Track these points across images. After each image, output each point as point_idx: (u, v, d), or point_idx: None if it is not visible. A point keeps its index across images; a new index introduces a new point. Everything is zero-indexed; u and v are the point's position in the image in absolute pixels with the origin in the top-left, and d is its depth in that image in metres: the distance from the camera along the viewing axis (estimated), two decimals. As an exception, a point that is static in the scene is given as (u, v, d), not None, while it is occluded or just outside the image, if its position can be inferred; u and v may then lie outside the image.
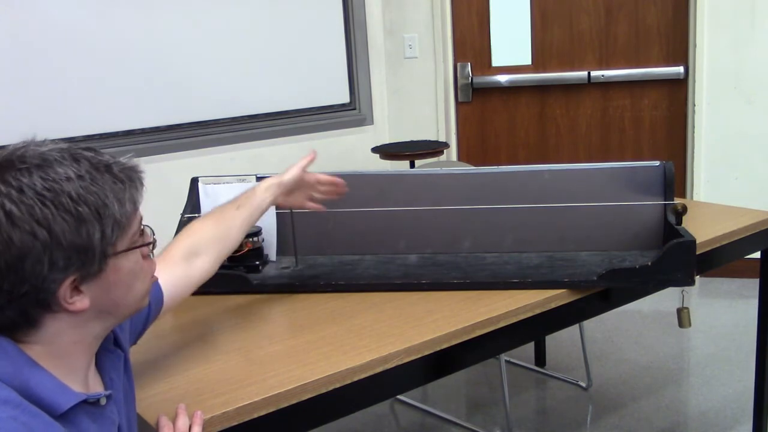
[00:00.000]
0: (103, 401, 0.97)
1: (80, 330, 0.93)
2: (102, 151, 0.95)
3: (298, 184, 1.61)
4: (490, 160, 4.09)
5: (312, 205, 1.65)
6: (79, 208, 0.87)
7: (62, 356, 0.92)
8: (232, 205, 1.48)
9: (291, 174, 1.59)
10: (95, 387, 0.99)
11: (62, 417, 0.88)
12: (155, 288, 1.25)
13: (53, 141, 0.93)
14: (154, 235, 1.02)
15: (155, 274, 1.21)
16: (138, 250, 0.97)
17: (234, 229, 1.45)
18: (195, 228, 1.42)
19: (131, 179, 0.94)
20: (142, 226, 0.99)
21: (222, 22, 3.59)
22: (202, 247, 1.39)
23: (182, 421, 1.16)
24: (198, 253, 1.38)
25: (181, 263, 1.35)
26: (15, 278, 0.85)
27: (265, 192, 1.53)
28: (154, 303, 1.25)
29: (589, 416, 2.62)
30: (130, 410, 1.08)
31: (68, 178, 0.87)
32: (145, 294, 1.01)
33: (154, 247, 1.02)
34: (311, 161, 1.63)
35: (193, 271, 1.36)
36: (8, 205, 0.84)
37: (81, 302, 0.90)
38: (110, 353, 1.05)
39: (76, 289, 0.90)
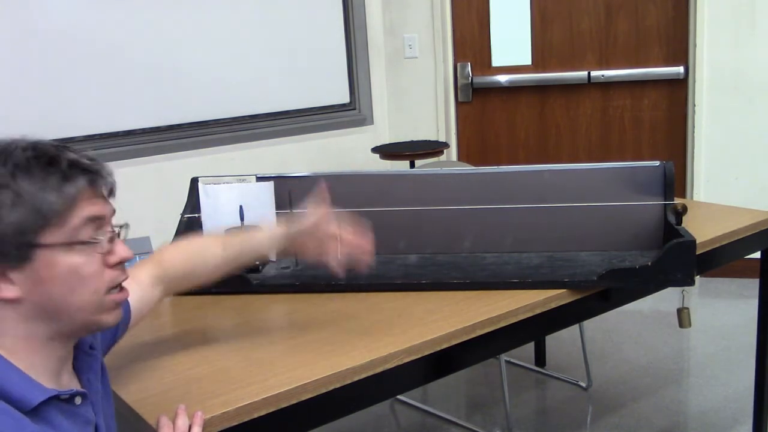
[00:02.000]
0: (78, 400, 0.96)
1: (26, 326, 0.92)
2: (80, 150, 0.95)
3: (319, 238, 1.38)
4: (490, 160, 4.09)
5: (331, 264, 1.38)
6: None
7: (19, 352, 0.92)
8: (220, 239, 1.40)
9: (308, 223, 1.38)
10: (70, 386, 0.99)
11: (33, 412, 0.88)
12: (125, 303, 1.21)
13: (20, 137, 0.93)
14: (113, 238, 0.98)
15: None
16: (92, 254, 0.94)
17: (210, 266, 1.36)
18: (167, 255, 1.36)
19: (73, 175, 0.92)
20: (111, 233, 0.96)
21: (222, 22, 3.59)
22: (168, 278, 1.33)
23: (182, 421, 1.15)
24: (162, 282, 1.32)
25: (146, 285, 1.30)
26: None
27: (268, 239, 1.39)
28: (124, 318, 1.21)
29: (589, 416, 2.62)
30: (108, 415, 1.07)
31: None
32: (101, 306, 0.97)
33: (123, 260, 0.99)
34: (325, 193, 1.40)
35: (155, 296, 1.32)
36: None
37: (9, 291, 0.90)
38: (87, 356, 1.05)
39: (4, 276, 0.90)
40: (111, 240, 0.97)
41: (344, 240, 1.38)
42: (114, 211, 1.00)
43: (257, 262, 1.79)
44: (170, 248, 1.38)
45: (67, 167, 0.92)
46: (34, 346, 0.94)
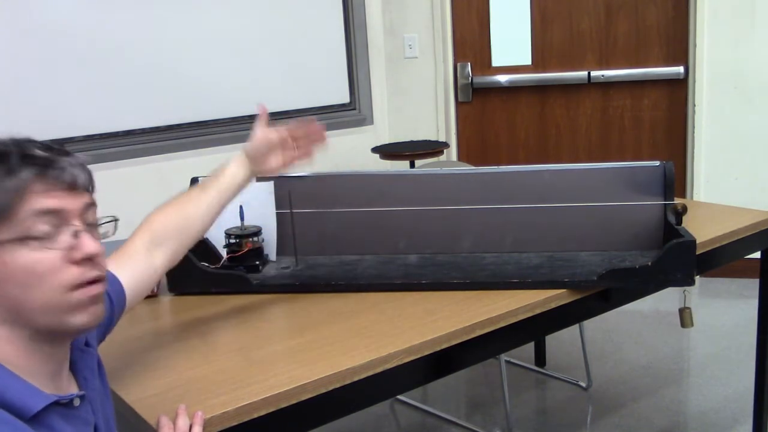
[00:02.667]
0: (77, 402, 0.95)
1: (3, 328, 0.89)
2: (35, 141, 0.93)
3: (269, 147, 1.52)
4: (490, 160, 4.09)
5: (293, 162, 1.54)
6: None
7: (14, 358, 0.90)
8: (198, 188, 1.43)
9: (253, 139, 1.51)
10: (69, 388, 0.98)
11: (33, 419, 0.86)
12: (116, 285, 1.21)
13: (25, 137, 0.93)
14: (76, 236, 0.92)
15: (119, 271, 1.22)
16: (48, 250, 0.89)
17: (198, 214, 1.39)
18: (155, 217, 1.36)
19: (19, 168, 0.88)
20: (75, 228, 0.92)
21: (222, 22, 3.59)
22: (163, 237, 1.33)
23: (182, 421, 1.15)
24: (159, 244, 1.32)
25: (142, 255, 1.29)
26: None
27: (236, 167, 1.48)
28: (116, 301, 1.21)
29: (589, 416, 2.62)
30: (107, 409, 1.06)
31: None
32: (67, 305, 0.91)
33: (86, 257, 0.92)
34: (265, 114, 1.54)
35: (156, 262, 1.31)
36: None
37: None
38: (83, 353, 1.04)
39: None
40: (76, 235, 0.91)
41: (293, 132, 1.54)
42: (87, 205, 0.95)
43: (257, 262, 1.78)
44: (156, 211, 1.38)
45: (16, 160, 0.89)
46: (22, 350, 0.91)
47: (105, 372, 1.11)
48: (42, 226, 0.89)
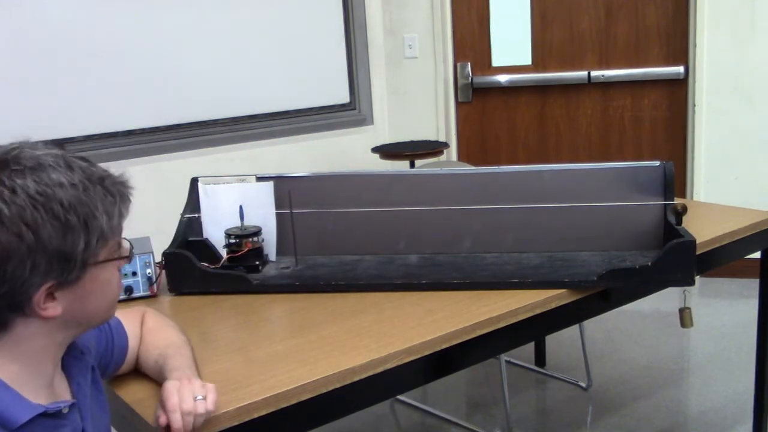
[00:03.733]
0: (66, 410, 0.96)
1: (48, 336, 0.93)
2: (94, 163, 0.96)
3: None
4: (490, 160, 4.09)
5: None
6: (69, 216, 0.88)
7: (26, 361, 0.92)
8: (168, 362, 1.24)
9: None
10: (61, 392, 0.99)
11: (19, 430, 0.88)
12: (122, 340, 1.25)
13: (46, 145, 0.93)
14: (132, 248, 1.03)
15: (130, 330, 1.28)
16: (115, 261, 0.97)
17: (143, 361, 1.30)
18: (158, 341, 1.31)
19: (122, 194, 0.95)
20: (119, 239, 0.99)
21: (222, 22, 3.59)
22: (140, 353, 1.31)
23: (188, 390, 1.12)
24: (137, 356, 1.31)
25: (140, 350, 1.31)
26: None
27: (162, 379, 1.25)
28: (117, 355, 1.25)
29: (589, 416, 2.62)
30: (98, 418, 1.06)
31: (61, 185, 0.88)
32: (113, 306, 1.01)
33: (130, 261, 1.03)
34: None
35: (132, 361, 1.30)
36: None
37: (54, 309, 0.91)
38: (77, 359, 1.05)
39: (50, 295, 0.90)
40: (119, 244, 1.00)
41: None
42: None
43: (257, 262, 1.78)
44: (164, 335, 1.32)
45: (111, 185, 0.94)
46: (44, 356, 0.94)
47: (100, 381, 1.12)
48: (123, 249, 0.99)
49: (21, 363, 0.91)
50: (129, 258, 1.01)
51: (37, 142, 0.93)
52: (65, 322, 0.94)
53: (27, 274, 0.86)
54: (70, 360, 1.03)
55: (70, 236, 0.88)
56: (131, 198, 0.97)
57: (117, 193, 0.94)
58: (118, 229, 0.96)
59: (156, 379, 1.26)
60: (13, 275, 0.85)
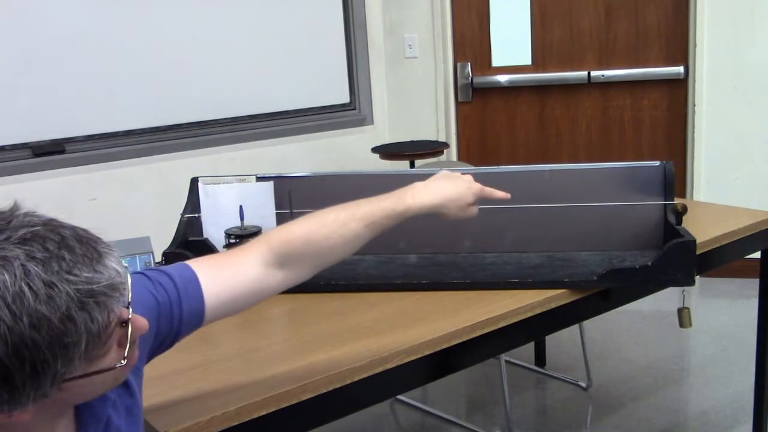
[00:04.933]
0: None
1: (34, 421, 0.80)
2: (102, 241, 0.80)
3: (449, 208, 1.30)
4: (490, 160, 4.09)
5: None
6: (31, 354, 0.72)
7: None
8: (362, 218, 1.20)
9: (439, 200, 1.27)
10: None
11: None
12: (194, 300, 1.06)
13: (38, 219, 0.78)
14: (135, 333, 0.84)
15: (211, 278, 1.07)
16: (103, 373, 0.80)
17: (344, 248, 1.19)
18: (290, 234, 1.16)
19: (106, 297, 0.77)
20: (123, 317, 0.82)
21: (222, 22, 3.59)
22: (294, 258, 1.15)
23: None
24: (285, 264, 1.14)
25: (255, 270, 1.12)
26: None
27: (397, 220, 1.24)
28: (187, 317, 1.06)
29: (589, 416, 2.62)
30: None
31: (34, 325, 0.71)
32: (116, 382, 0.86)
33: (132, 343, 0.84)
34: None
35: (271, 281, 1.14)
36: None
37: (24, 414, 0.76)
38: (96, 402, 0.91)
39: (24, 409, 0.76)
40: (131, 346, 0.84)
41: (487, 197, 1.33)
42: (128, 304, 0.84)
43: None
44: (293, 227, 1.17)
45: (112, 281, 0.78)
46: (38, 422, 0.82)
47: (140, 407, 1.00)
48: (121, 355, 0.82)
49: None
50: (127, 361, 0.82)
51: (30, 213, 0.78)
52: (54, 410, 0.82)
53: None
54: (86, 405, 0.89)
55: (39, 373, 0.73)
56: (124, 290, 0.80)
57: (98, 305, 0.76)
58: (107, 337, 0.79)
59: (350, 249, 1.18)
60: None
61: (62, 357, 0.74)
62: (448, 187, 1.28)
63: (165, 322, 1.04)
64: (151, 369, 1.35)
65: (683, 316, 2.23)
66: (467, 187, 1.30)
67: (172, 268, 1.08)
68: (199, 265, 1.10)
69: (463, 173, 1.36)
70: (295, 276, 1.16)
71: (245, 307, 1.14)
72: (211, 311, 1.08)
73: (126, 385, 0.97)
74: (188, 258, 1.12)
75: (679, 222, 1.75)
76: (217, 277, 1.09)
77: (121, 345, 0.82)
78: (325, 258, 1.18)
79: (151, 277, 1.05)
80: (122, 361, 0.82)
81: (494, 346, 1.58)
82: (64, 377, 0.76)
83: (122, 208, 3.31)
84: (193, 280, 1.07)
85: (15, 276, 0.71)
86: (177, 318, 1.05)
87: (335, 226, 1.18)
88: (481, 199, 1.32)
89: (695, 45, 3.62)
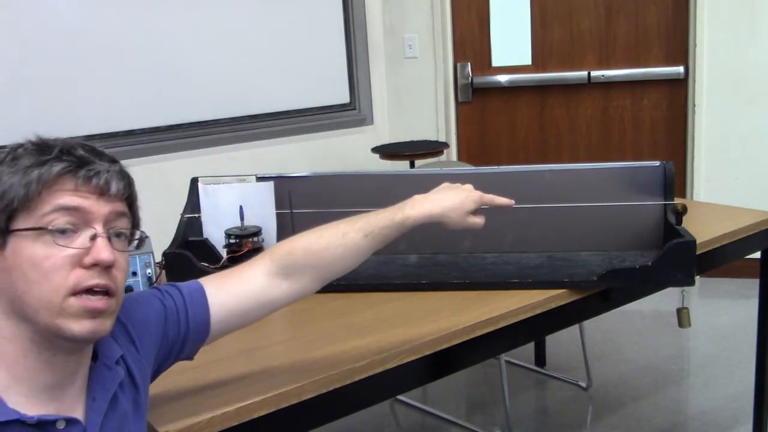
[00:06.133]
0: (61, 425, 0.88)
1: (6, 323, 0.87)
2: (92, 145, 0.92)
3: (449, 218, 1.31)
4: (490, 160, 4.09)
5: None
6: None
7: (5, 359, 0.87)
8: (361, 228, 1.21)
9: (438, 211, 1.28)
10: (72, 406, 0.91)
11: None
12: (200, 309, 1.11)
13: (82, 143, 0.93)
14: (74, 227, 0.89)
15: (218, 290, 1.12)
16: (58, 247, 0.86)
17: (347, 259, 1.20)
18: (293, 246, 1.19)
19: (50, 162, 0.88)
20: (87, 228, 0.89)
21: (222, 22, 3.59)
22: (297, 269, 1.18)
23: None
24: (289, 275, 1.17)
25: (260, 281, 1.16)
26: None
27: (396, 232, 1.26)
28: (194, 326, 1.11)
29: (589, 416, 2.62)
30: None
31: None
32: (63, 309, 0.87)
33: (96, 262, 0.89)
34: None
35: (276, 291, 1.17)
36: None
37: None
38: (108, 370, 0.97)
39: None
40: (93, 238, 0.89)
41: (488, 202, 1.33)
42: (116, 213, 0.92)
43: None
44: (296, 239, 1.20)
45: (55, 154, 0.88)
46: (20, 351, 0.88)
47: (141, 394, 1.03)
48: (60, 222, 0.87)
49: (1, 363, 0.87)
50: (62, 232, 0.87)
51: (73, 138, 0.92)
52: (10, 308, 0.87)
53: None
54: (98, 372, 0.95)
55: None
56: (69, 166, 0.89)
57: (36, 157, 0.88)
58: (41, 199, 0.87)
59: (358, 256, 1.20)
60: None
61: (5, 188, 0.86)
62: (448, 196, 1.29)
63: (172, 326, 1.10)
64: (151, 369, 1.35)
65: (682, 316, 2.23)
66: (466, 195, 1.29)
67: (183, 283, 1.15)
68: (206, 279, 1.16)
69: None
70: (300, 287, 1.19)
71: (252, 319, 1.17)
72: (217, 321, 1.13)
73: (131, 378, 1.01)
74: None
75: (679, 222, 1.75)
76: (222, 287, 1.14)
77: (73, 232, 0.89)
78: (327, 269, 1.20)
79: (161, 288, 1.14)
80: (62, 229, 0.87)
81: (494, 346, 1.57)
82: (13, 223, 0.86)
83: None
84: (199, 290, 1.13)
85: None
86: (184, 323, 1.10)
87: (335, 236, 1.20)
88: (484, 206, 1.32)
89: (695, 45, 3.62)
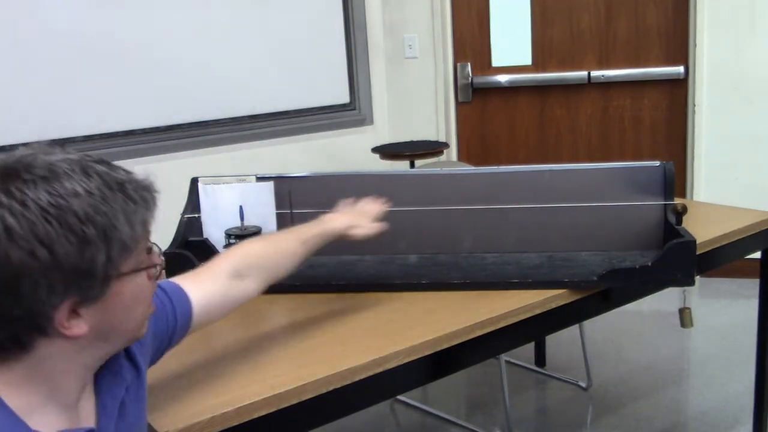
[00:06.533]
0: None
1: (73, 357, 0.86)
2: (116, 165, 0.88)
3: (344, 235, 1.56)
4: (490, 160, 4.09)
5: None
6: (85, 229, 0.80)
7: (44, 383, 0.85)
8: (297, 237, 1.41)
9: (339, 229, 1.52)
10: (86, 416, 0.92)
11: None
12: (184, 303, 1.18)
13: (63, 150, 0.86)
14: (161, 254, 0.96)
15: (191, 288, 1.21)
16: (144, 271, 0.90)
17: (288, 262, 1.38)
18: (245, 249, 1.34)
19: (145, 199, 0.87)
20: (149, 245, 0.92)
21: (222, 22, 3.59)
22: (249, 270, 1.30)
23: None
24: (243, 276, 1.29)
25: (223, 280, 1.26)
26: (9, 300, 0.79)
27: (321, 240, 1.47)
28: (181, 319, 1.17)
29: (589, 416, 2.62)
30: None
31: (76, 194, 0.80)
32: (144, 320, 0.94)
33: (162, 269, 0.95)
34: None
35: (232, 292, 1.27)
36: (9, 220, 0.77)
37: (78, 327, 0.83)
38: (112, 375, 0.97)
39: (74, 312, 0.83)
40: (149, 251, 0.93)
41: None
42: None
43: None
44: (246, 243, 1.38)
45: (133, 191, 0.87)
46: (67, 378, 0.87)
47: (145, 393, 1.05)
48: (154, 256, 0.92)
49: (38, 385, 0.84)
50: (160, 266, 0.93)
51: (54, 147, 0.86)
52: (92, 341, 0.86)
53: (44, 293, 0.79)
54: (104, 377, 0.96)
55: (88, 251, 0.80)
56: (156, 202, 0.90)
57: (140, 199, 0.86)
58: (145, 237, 0.89)
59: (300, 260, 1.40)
60: (30, 296, 0.78)
61: (114, 238, 0.83)
62: (351, 212, 1.58)
63: (161, 323, 1.14)
64: (151, 369, 1.35)
65: (684, 317, 2.23)
66: (364, 211, 1.60)
67: (162, 281, 1.19)
68: (177, 278, 1.23)
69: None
70: (254, 287, 1.32)
71: (216, 317, 1.27)
72: (197, 315, 1.21)
73: (137, 370, 1.02)
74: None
75: (679, 222, 1.75)
76: (197, 285, 1.22)
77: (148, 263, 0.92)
78: (273, 271, 1.36)
79: None
80: (152, 262, 0.92)
81: (494, 346, 1.57)
82: (117, 268, 0.85)
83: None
84: (179, 288, 1.20)
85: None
86: (172, 320, 1.16)
87: (280, 242, 1.40)
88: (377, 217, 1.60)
89: (695, 45, 3.62)
